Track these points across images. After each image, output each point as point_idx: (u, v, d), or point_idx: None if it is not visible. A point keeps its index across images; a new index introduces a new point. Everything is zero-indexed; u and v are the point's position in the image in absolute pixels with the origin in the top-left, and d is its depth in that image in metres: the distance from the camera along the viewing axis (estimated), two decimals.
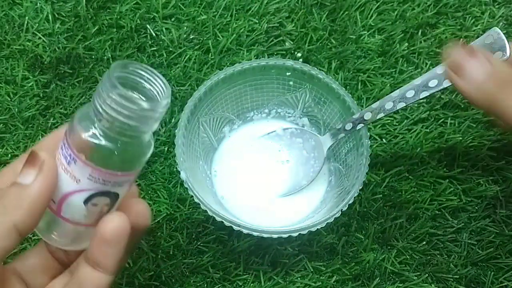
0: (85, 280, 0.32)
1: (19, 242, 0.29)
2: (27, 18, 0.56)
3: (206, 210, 0.42)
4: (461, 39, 0.42)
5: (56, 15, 0.57)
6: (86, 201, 0.30)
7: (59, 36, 0.56)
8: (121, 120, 0.28)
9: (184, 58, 0.55)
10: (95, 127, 0.29)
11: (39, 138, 0.52)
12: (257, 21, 0.56)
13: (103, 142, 0.29)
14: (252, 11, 0.57)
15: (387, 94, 0.54)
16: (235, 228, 0.41)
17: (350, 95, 0.45)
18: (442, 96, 0.54)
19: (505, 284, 0.47)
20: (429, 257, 0.48)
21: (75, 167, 0.29)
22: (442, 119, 0.53)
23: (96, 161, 0.29)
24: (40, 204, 0.29)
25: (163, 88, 0.30)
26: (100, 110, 0.28)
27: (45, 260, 0.35)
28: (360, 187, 0.42)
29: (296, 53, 0.56)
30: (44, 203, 0.29)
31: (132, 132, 0.29)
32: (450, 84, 0.39)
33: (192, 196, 0.42)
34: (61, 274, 0.36)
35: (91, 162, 0.29)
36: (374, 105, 0.43)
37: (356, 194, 0.42)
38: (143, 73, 0.30)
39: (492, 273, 0.47)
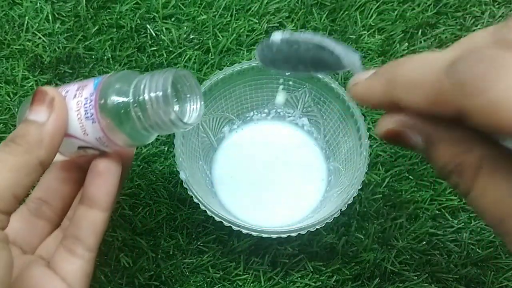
0: (81, 219, 0.34)
1: (41, 176, 0.31)
2: (27, 18, 0.56)
3: (205, 210, 0.42)
4: None
5: (56, 15, 0.57)
6: (80, 147, 0.33)
7: (59, 36, 0.56)
8: (157, 125, 0.31)
9: (184, 58, 0.55)
10: (128, 110, 0.31)
11: None
12: (257, 21, 0.56)
13: (128, 125, 0.31)
14: (252, 11, 0.57)
15: None
16: (235, 228, 0.41)
17: None
18: None
19: (505, 284, 0.47)
20: (429, 257, 0.48)
21: (90, 125, 0.31)
22: None
23: (111, 133, 0.31)
24: (58, 139, 0.31)
25: (199, 113, 0.33)
26: (144, 106, 0.30)
27: (29, 222, 0.36)
28: (360, 187, 0.42)
29: None
30: (61, 137, 0.31)
31: (156, 133, 0.32)
32: None
33: (192, 196, 0.42)
34: (52, 232, 0.37)
35: (107, 131, 0.31)
36: None
37: (355, 194, 0.42)
38: (192, 94, 0.33)
39: (492, 273, 0.47)
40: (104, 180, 0.34)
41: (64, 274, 0.33)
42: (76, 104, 0.32)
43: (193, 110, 0.33)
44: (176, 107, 0.32)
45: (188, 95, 0.33)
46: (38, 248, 0.36)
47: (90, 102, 0.31)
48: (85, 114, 0.31)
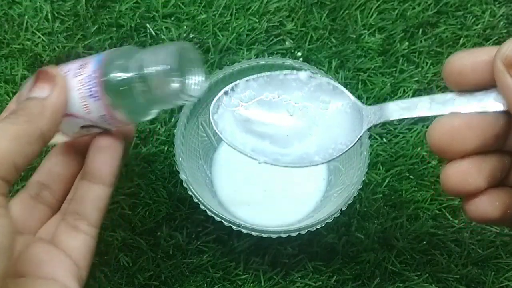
0: (85, 195, 0.34)
1: (42, 149, 0.30)
2: (26, 17, 0.56)
3: (205, 210, 0.42)
4: None
5: (56, 14, 0.56)
6: (83, 127, 0.33)
7: (59, 35, 0.55)
8: (161, 100, 0.31)
9: None
10: (132, 85, 0.31)
11: None
12: (257, 20, 0.56)
13: (132, 101, 0.31)
14: (252, 10, 0.57)
15: (387, 94, 0.54)
16: (235, 228, 0.41)
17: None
18: None
19: (506, 284, 0.47)
20: (429, 257, 0.48)
21: (93, 103, 0.31)
22: None
23: (115, 110, 0.31)
24: (60, 113, 0.31)
25: (201, 86, 0.33)
26: (149, 81, 0.30)
27: (29, 207, 0.36)
28: (360, 187, 0.42)
29: (296, 52, 0.56)
30: (62, 112, 0.31)
31: (159, 107, 0.32)
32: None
33: (191, 196, 0.42)
34: (53, 216, 0.36)
35: (111, 108, 0.31)
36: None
37: (356, 194, 0.42)
38: (194, 67, 0.33)
39: (493, 273, 0.47)
40: (108, 155, 0.34)
41: (69, 249, 0.33)
42: (78, 82, 0.31)
43: (196, 82, 0.33)
44: (179, 80, 0.32)
45: (191, 68, 0.32)
46: (38, 232, 0.36)
47: (93, 80, 0.31)
48: (88, 92, 0.31)
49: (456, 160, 0.29)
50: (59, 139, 0.35)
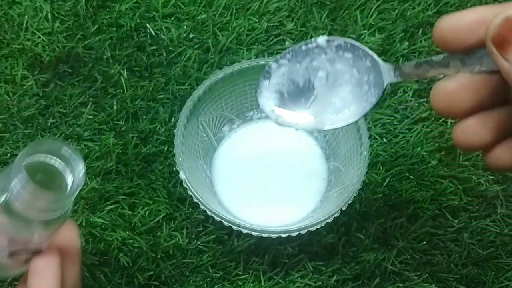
0: None
1: None
2: (26, 17, 0.56)
3: (205, 210, 0.42)
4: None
5: (56, 14, 0.56)
6: (11, 254, 0.32)
7: (59, 35, 0.55)
8: (28, 207, 0.29)
9: (184, 57, 0.55)
10: (6, 200, 0.30)
11: (39, 138, 0.52)
12: (257, 20, 0.56)
13: (13, 215, 0.30)
14: (252, 10, 0.57)
15: (387, 94, 0.54)
16: (234, 227, 0.41)
17: None
18: None
19: (506, 284, 0.47)
20: (429, 257, 0.48)
21: None
22: (443, 118, 0.53)
23: (11, 230, 0.31)
24: None
25: (75, 182, 0.31)
26: (10, 190, 0.29)
27: None
28: (360, 187, 0.42)
29: None
30: None
31: (38, 214, 0.30)
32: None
33: (191, 196, 0.42)
34: None
35: (8, 229, 0.31)
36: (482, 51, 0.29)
37: (356, 194, 0.42)
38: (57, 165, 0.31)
39: (493, 273, 0.47)
40: (42, 277, 0.32)
41: None
42: None
43: (78, 173, 0.31)
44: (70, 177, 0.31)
45: (68, 161, 0.31)
46: None
47: None
48: None
49: (462, 119, 0.30)
50: (10, 272, 0.35)
